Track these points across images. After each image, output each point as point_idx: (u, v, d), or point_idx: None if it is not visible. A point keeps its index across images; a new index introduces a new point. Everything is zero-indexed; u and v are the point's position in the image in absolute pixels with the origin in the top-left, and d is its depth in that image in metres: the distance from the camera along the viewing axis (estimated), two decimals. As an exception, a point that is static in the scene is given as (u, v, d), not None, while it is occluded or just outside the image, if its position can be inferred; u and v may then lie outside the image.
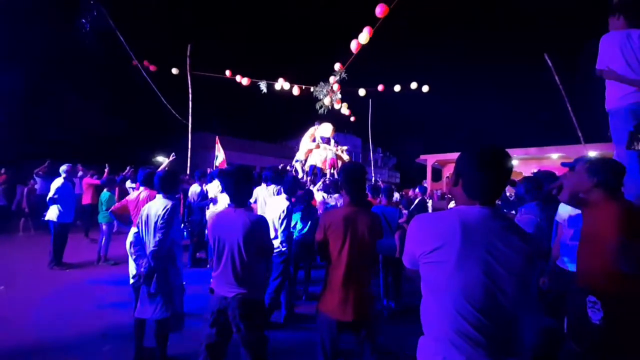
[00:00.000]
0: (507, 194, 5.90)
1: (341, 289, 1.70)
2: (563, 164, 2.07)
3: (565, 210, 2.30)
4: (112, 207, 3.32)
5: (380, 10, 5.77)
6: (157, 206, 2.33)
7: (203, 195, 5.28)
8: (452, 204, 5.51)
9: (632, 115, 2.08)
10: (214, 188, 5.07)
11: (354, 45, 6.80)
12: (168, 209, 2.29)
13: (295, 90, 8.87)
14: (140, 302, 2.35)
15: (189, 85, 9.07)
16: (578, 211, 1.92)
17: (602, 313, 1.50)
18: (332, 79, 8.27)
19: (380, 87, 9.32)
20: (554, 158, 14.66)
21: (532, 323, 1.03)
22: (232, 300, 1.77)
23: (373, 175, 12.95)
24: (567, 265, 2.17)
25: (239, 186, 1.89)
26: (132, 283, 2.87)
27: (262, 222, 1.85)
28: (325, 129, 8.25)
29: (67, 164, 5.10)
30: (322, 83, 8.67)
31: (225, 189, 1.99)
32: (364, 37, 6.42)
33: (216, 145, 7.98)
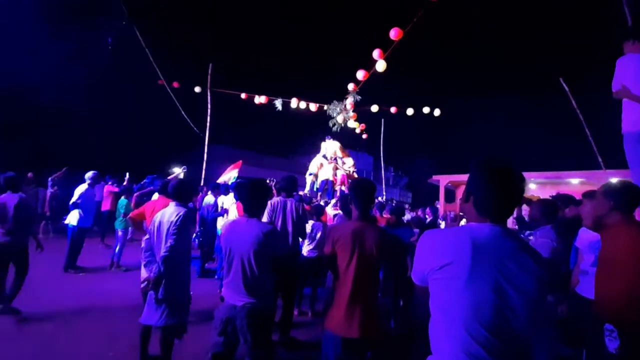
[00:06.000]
0: (523, 213, 5.73)
1: (347, 304, 1.67)
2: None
3: (586, 236, 2.24)
4: (130, 214, 3.45)
5: (394, 34, 5.97)
6: (170, 213, 2.40)
7: (216, 206, 5.40)
8: (463, 222, 5.38)
9: None
10: (229, 200, 5.17)
11: (361, 75, 7.03)
12: (180, 216, 2.35)
13: (312, 107, 9.10)
14: (146, 308, 2.37)
15: (209, 102, 9.49)
16: (598, 236, 1.87)
17: (618, 341, 1.43)
18: (349, 100, 8.43)
19: (393, 110, 9.46)
20: (574, 183, 14.16)
21: (547, 350, 0.99)
22: (240, 310, 1.78)
23: (384, 194, 12.86)
24: (587, 293, 2.07)
25: (254, 198, 1.95)
26: (142, 288, 2.91)
27: (274, 233, 1.88)
28: (331, 148, 8.36)
29: (92, 171, 5.35)
30: (335, 102, 8.90)
31: (240, 199, 2.05)
32: (381, 65, 6.58)
33: (236, 169, 7.80)
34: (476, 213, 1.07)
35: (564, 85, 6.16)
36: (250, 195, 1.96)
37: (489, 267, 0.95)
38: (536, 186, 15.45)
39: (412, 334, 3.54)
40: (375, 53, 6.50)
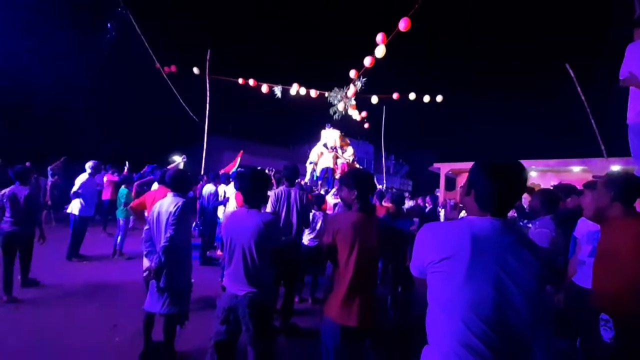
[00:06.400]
0: (523, 202, 5.73)
1: (347, 294, 1.70)
2: (594, 177, 2.04)
3: (584, 226, 2.24)
4: (131, 204, 3.46)
5: (403, 25, 5.81)
6: (168, 203, 2.40)
7: (216, 195, 5.41)
8: (463, 214, 5.40)
9: None
10: (231, 189, 5.18)
11: (367, 61, 6.87)
12: (179, 206, 2.35)
13: (313, 94, 8.96)
14: (149, 295, 2.42)
15: (207, 89, 9.34)
16: (597, 227, 1.87)
17: (613, 332, 1.45)
18: (352, 88, 8.26)
19: (395, 96, 9.30)
20: (575, 171, 14.12)
21: (545, 344, 1.00)
22: (242, 299, 1.80)
23: (385, 182, 12.87)
24: (584, 283, 2.10)
25: (254, 188, 1.94)
26: (144, 277, 2.96)
27: (274, 223, 1.88)
28: (332, 137, 8.29)
29: (93, 161, 5.34)
30: (336, 89, 8.74)
31: (240, 189, 2.04)
32: (380, 51, 6.44)
33: (239, 158, 8.16)
34: (477, 207, 1.07)
35: (570, 71, 6.01)
36: (251, 186, 1.95)
37: (489, 262, 0.95)
38: (537, 174, 15.42)
39: (411, 323, 3.62)
40: (379, 37, 6.34)
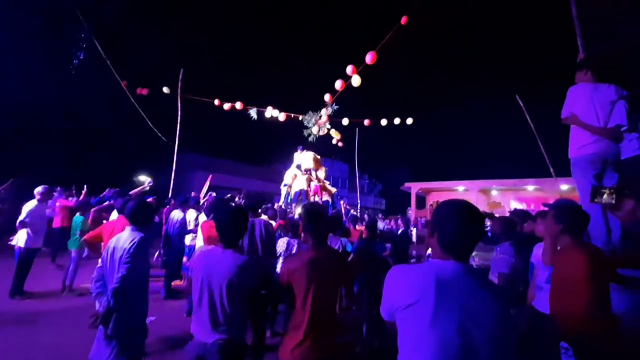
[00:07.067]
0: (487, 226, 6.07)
1: (304, 338, 1.63)
2: (544, 204, 2.21)
3: (539, 252, 2.39)
4: (86, 236, 3.16)
5: (370, 58, 6.19)
6: (124, 239, 2.15)
7: (184, 223, 5.11)
8: (429, 251, 5.59)
9: (590, 165, 2.24)
10: (202, 219, 4.93)
11: (338, 85, 7.18)
12: (135, 242, 2.11)
13: (282, 117, 9.06)
14: (95, 343, 2.12)
15: (179, 109, 9.11)
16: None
17: (573, 359, 1.53)
18: (323, 111, 8.49)
19: (366, 122, 9.70)
20: (530, 190, 15.42)
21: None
22: (211, 346, 1.68)
23: (359, 201, 13.09)
24: (543, 308, 2.22)
25: (232, 225, 1.83)
26: (90, 324, 2.64)
27: (249, 266, 1.77)
28: (306, 160, 8.38)
29: (42, 186, 4.84)
30: (310, 112, 8.93)
31: (217, 226, 1.90)
32: (356, 80, 6.76)
33: (208, 183, 8.01)
34: (440, 249, 1.11)
35: (520, 101, 6.69)
36: (230, 223, 1.82)
37: (453, 307, 0.97)
38: (498, 192, 16.61)
39: (387, 349, 3.56)
40: (349, 69, 6.67)
